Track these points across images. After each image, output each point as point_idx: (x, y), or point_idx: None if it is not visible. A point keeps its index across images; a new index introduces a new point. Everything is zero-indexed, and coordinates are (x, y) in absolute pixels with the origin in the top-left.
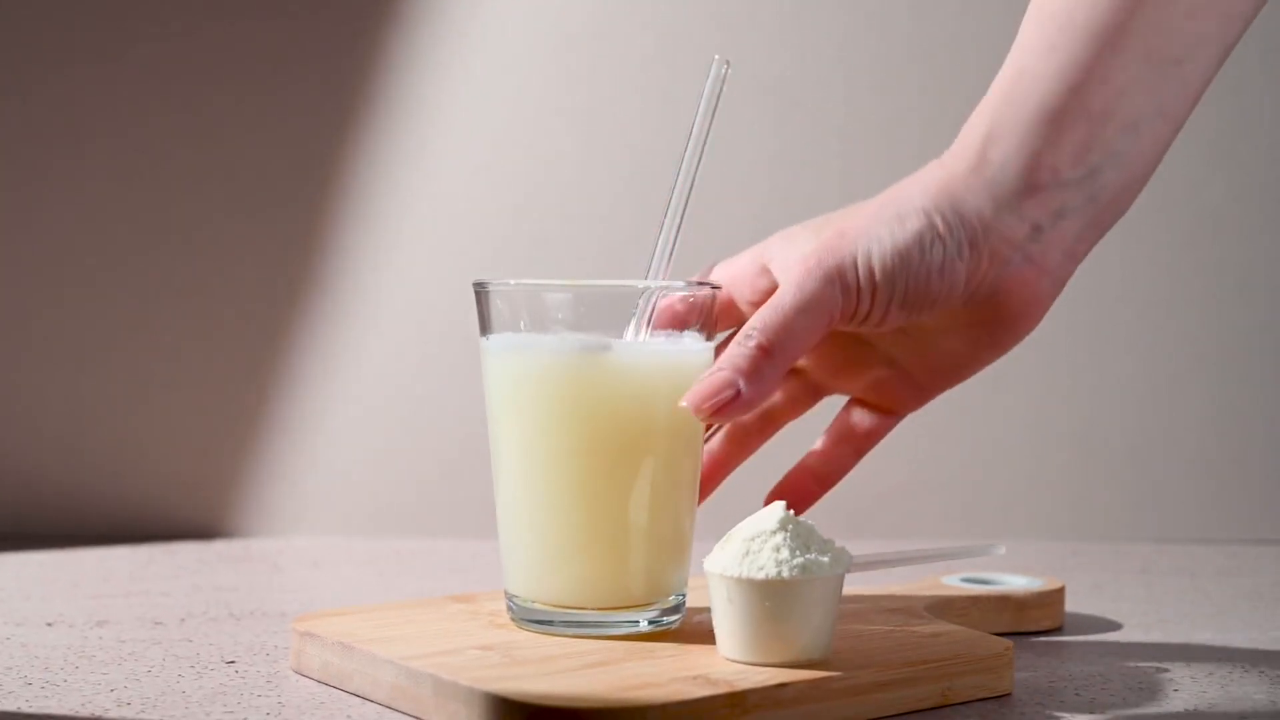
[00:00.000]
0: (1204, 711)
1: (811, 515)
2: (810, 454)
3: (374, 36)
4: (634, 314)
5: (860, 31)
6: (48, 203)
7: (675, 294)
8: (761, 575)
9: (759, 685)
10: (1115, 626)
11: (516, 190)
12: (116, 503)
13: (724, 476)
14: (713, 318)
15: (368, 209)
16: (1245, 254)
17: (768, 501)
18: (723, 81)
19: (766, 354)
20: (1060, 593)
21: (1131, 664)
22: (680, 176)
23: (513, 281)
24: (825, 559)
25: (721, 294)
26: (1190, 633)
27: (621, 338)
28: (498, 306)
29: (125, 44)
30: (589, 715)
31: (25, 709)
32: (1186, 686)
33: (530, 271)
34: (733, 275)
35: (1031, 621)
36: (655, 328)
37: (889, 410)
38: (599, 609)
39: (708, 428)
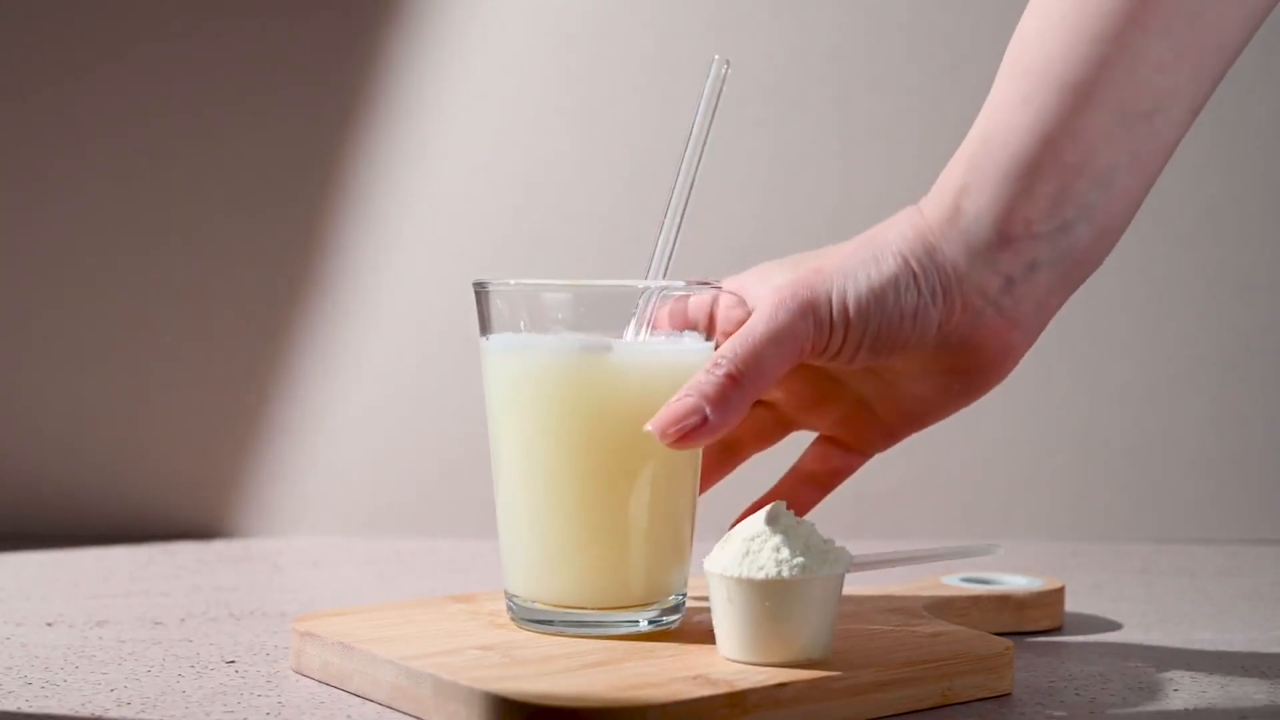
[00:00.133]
0: (1204, 711)
1: (811, 515)
2: (777, 487)
3: (374, 36)
4: (634, 314)
5: (860, 32)
6: (48, 203)
7: (676, 294)
8: (761, 575)
9: (759, 685)
10: (1115, 626)
11: (516, 190)
12: (116, 503)
13: None
14: (714, 319)
15: (368, 209)
16: (1245, 255)
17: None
18: (723, 81)
19: (735, 382)
20: (1060, 593)
21: (1131, 664)
22: (680, 176)
23: (513, 281)
24: (825, 559)
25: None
26: (1190, 633)
27: (621, 338)
28: (498, 306)
29: (125, 44)
30: (589, 715)
31: (25, 709)
32: (1186, 686)
33: (530, 271)
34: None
35: (1031, 621)
36: (669, 328)
37: (857, 449)
38: (599, 609)
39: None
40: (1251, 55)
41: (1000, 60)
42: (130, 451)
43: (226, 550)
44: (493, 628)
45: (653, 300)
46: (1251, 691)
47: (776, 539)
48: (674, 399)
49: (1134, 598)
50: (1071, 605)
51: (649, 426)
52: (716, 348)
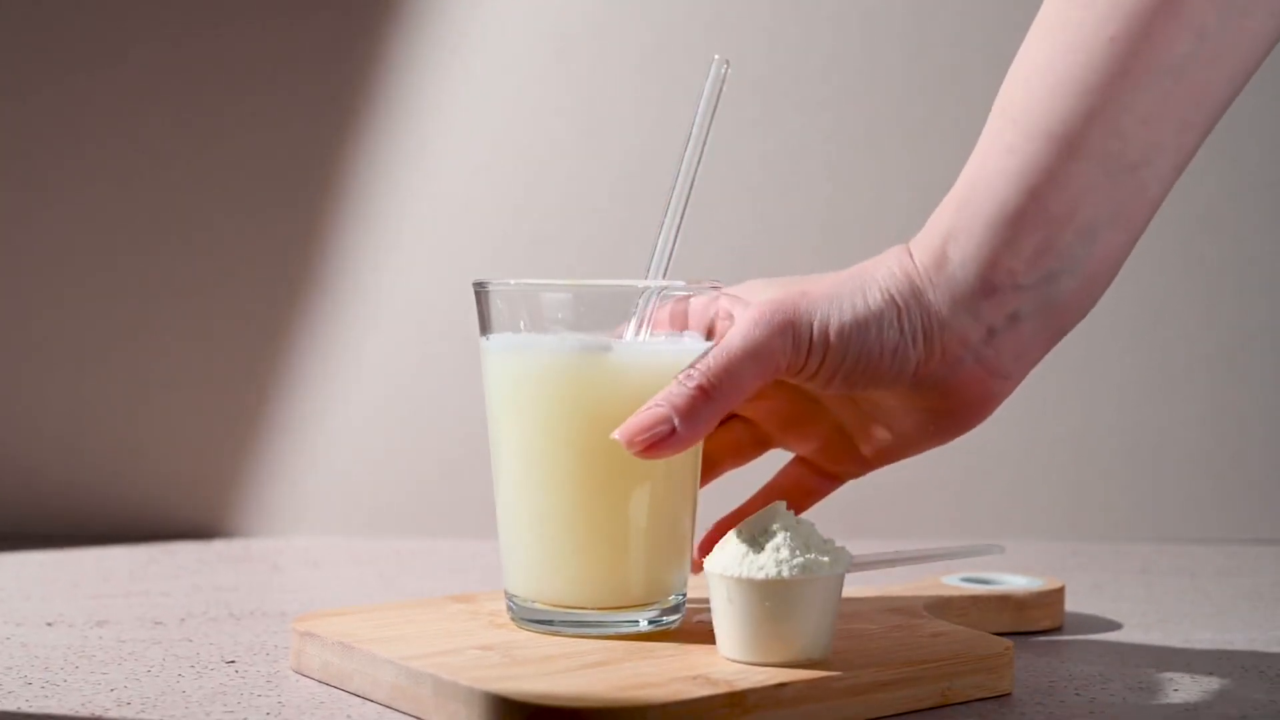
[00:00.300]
0: (1204, 711)
1: (811, 515)
2: (749, 504)
3: (374, 36)
4: (633, 314)
5: (860, 32)
6: (48, 203)
7: (676, 294)
8: (761, 575)
9: (759, 685)
10: (1115, 626)
11: (516, 190)
12: (116, 503)
13: None
14: (715, 322)
15: (368, 209)
16: (1245, 254)
17: (702, 552)
18: (723, 81)
19: (705, 395)
20: (1060, 593)
21: (1131, 664)
22: (680, 176)
23: (512, 281)
24: (825, 559)
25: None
26: (1190, 633)
27: (619, 336)
28: (497, 306)
29: (125, 44)
30: (589, 715)
31: (25, 709)
32: (1186, 686)
33: (530, 271)
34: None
35: (1031, 621)
36: (670, 328)
37: (831, 474)
38: (599, 609)
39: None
40: None
41: (998, 61)
42: (130, 451)
43: (226, 550)
44: (493, 628)
45: (653, 300)
46: (1251, 691)
47: (777, 539)
48: (644, 408)
49: (1134, 598)
50: (1071, 605)
51: (616, 434)
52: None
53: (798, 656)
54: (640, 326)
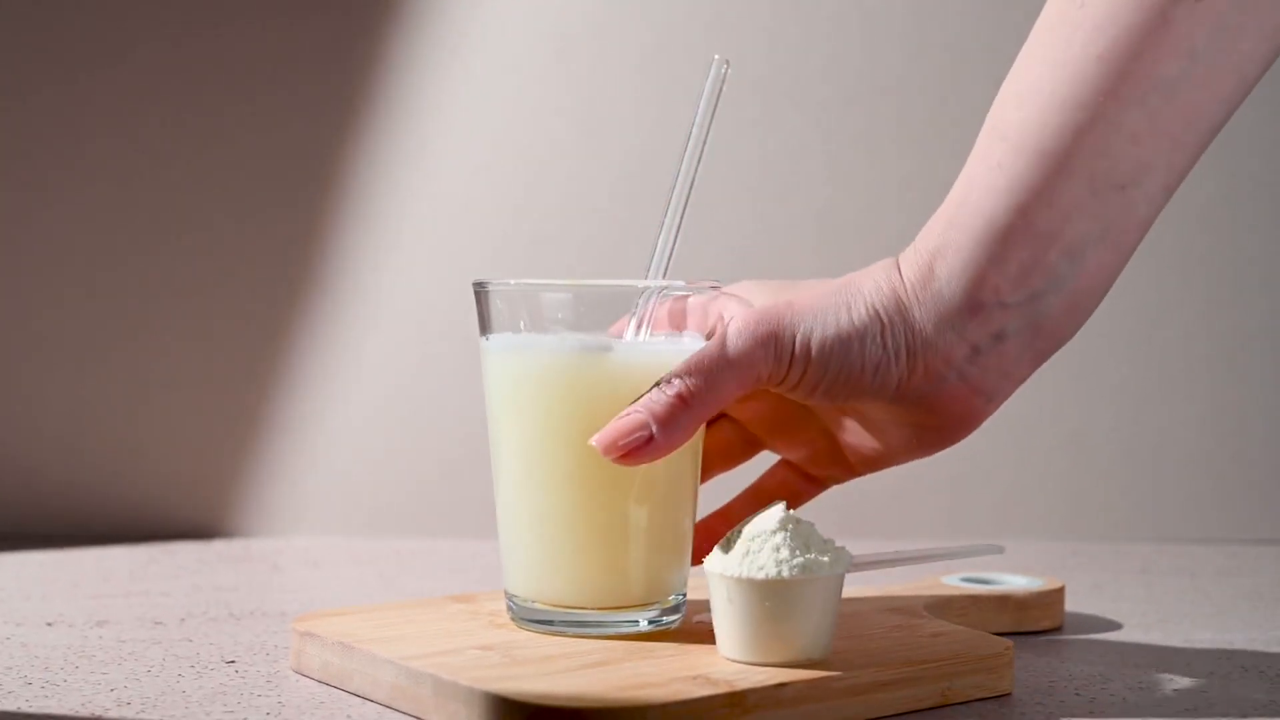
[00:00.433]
0: (1204, 711)
1: (811, 515)
2: (733, 504)
3: (374, 36)
4: (633, 314)
5: (860, 32)
6: (48, 203)
7: (676, 294)
8: (761, 575)
9: (759, 685)
10: (1115, 626)
11: (516, 190)
12: (116, 503)
13: None
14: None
15: (368, 209)
16: (1245, 253)
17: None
18: (723, 81)
19: (684, 403)
20: (1060, 593)
21: (1131, 664)
22: (680, 176)
23: (512, 281)
24: (825, 559)
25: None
26: (1190, 633)
27: (620, 335)
28: (497, 306)
29: (125, 44)
30: (589, 715)
31: (25, 709)
32: (1186, 686)
33: (530, 271)
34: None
35: (1031, 621)
36: (670, 328)
37: (816, 479)
38: (599, 609)
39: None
40: None
41: (997, 62)
42: (130, 451)
43: (226, 550)
44: (493, 628)
45: (652, 300)
46: (1251, 691)
47: (776, 539)
48: (622, 414)
49: (1134, 598)
50: (1071, 605)
51: (593, 441)
52: None
53: (798, 656)
54: (640, 326)
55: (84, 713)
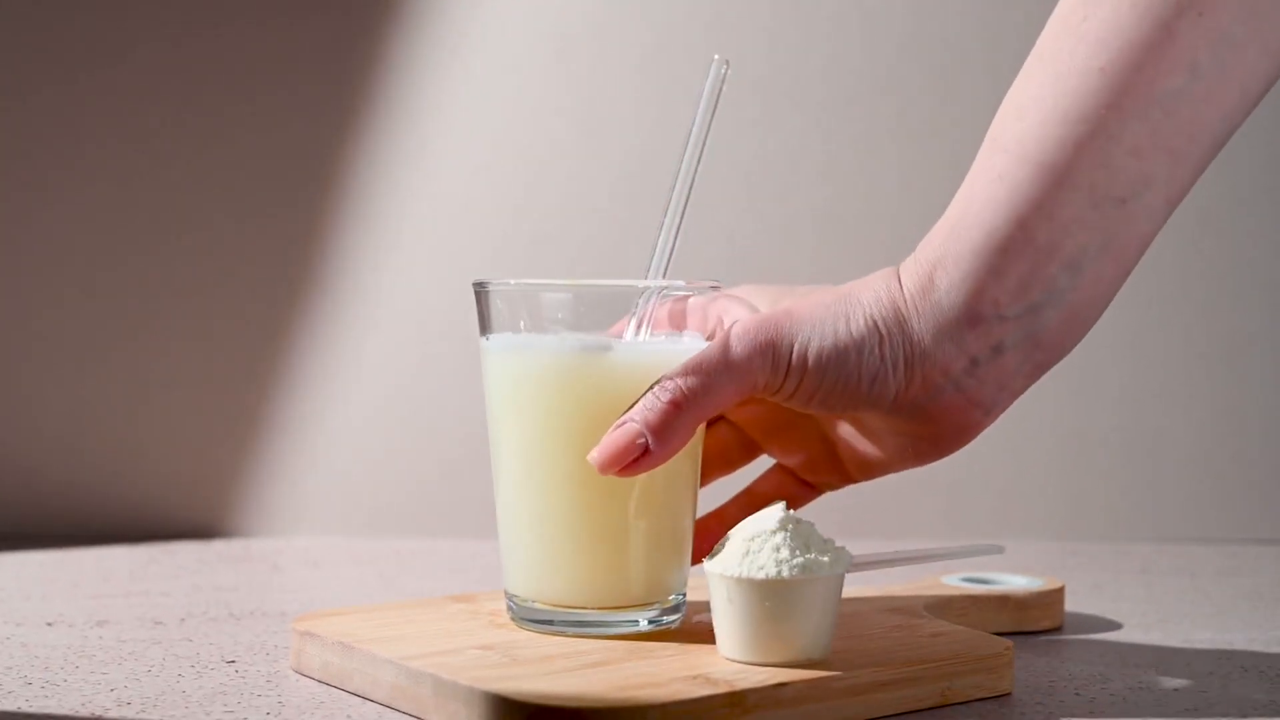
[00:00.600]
0: (1204, 711)
1: (811, 515)
2: (727, 506)
3: (374, 36)
4: (633, 314)
5: (861, 32)
6: (48, 203)
7: (676, 294)
8: (761, 575)
9: (759, 685)
10: (1115, 626)
11: (516, 190)
12: (116, 503)
13: None
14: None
15: (368, 209)
16: (1246, 253)
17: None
18: (722, 81)
19: (677, 409)
20: (1060, 593)
21: (1131, 664)
22: (680, 176)
23: (512, 281)
24: (825, 559)
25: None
26: (1190, 633)
27: (620, 335)
28: (497, 306)
29: (125, 44)
30: (589, 715)
31: (25, 709)
32: (1186, 686)
33: (530, 271)
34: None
35: (1031, 621)
36: (670, 328)
37: (811, 485)
38: (599, 609)
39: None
40: None
41: (997, 62)
42: (130, 451)
43: (226, 550)
44: (493, 628)
45: (652, 300)
46: (1251, 691)
47: (776, 539)
48: (616, 425)
49: (1134, 598)
50: (1071, 605)
51: (591, 458)
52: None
53: (798, 656)
54: (640, 326)
55: (84, 713)
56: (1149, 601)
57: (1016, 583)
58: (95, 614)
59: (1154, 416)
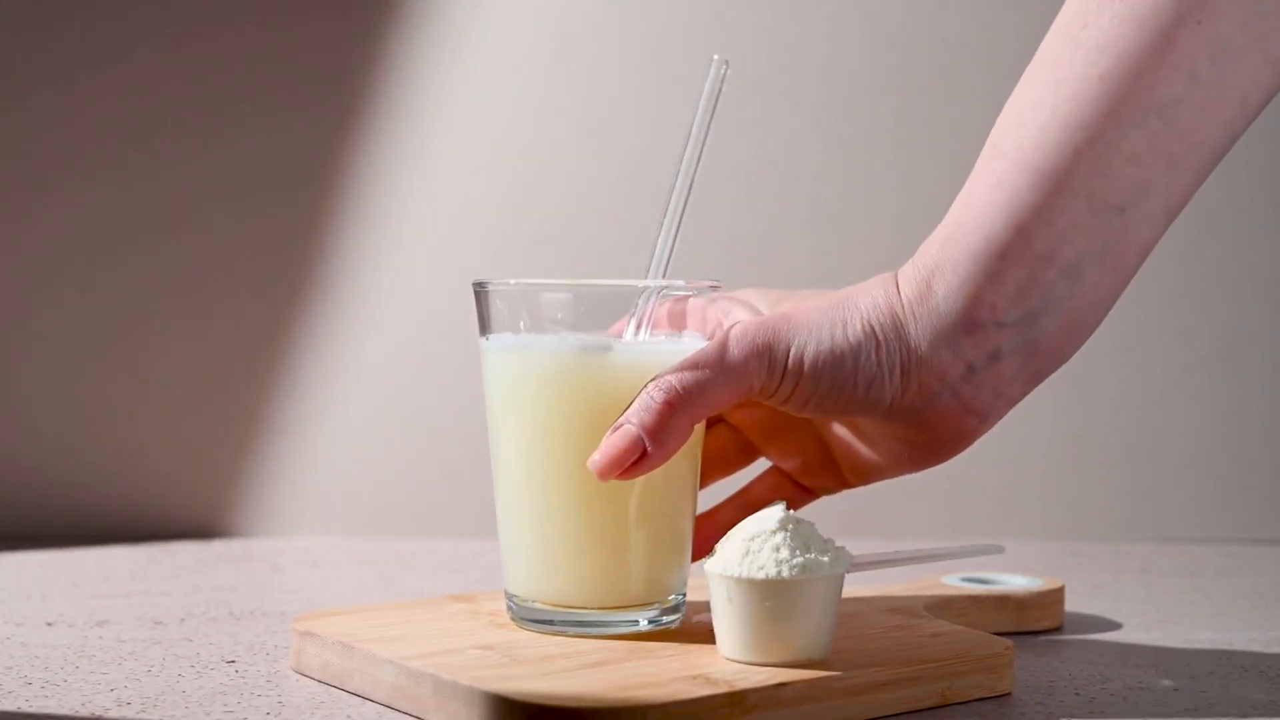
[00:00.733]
0: (1204, 711)
1: (811, 516)
2: (722, 507)
3: (374, 36)
4: (633, 314)
5: (861, 32)
6: (48, 203)
7: (676, 294)
8: (761, 575)
9: (759, 685)
10: (1115, 626)
11: (516, 190)
12: (116, 503)
13: None
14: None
15: (368, 209)
16: (1245, 254)
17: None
18: (722, 81)
19: (672, 410)
20: (1060, 593)
21: (1131, 664)
22: (680, 176)
23: (512, 281)
24: (825, 559)
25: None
26: (1190, 633)
27: (619, 335)
28: (497, 306)
29: (125, 44)
30: (589, 715)
31: (25, 709)
32: (1186, 686)
33: (530, 271)
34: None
35: (1031, 621)
36: (670, 328)
37: (807, 489)
38: (599, 609)
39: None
40: None
41: (997, 62)
42: (130, 451)
43: (226, 550)
44: (493, 628)
45: (652, 300)
46: (1251, 691)
47: (776, 539)
48: (613, 429)
49: (1134, 598)
50: (1071, 605)
51: (590, 464)
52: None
53: (798, 656)
54: (640, 326)
55: (84, 713)
56: (1149, 601)
57: (1016, 583)
58: (95, 614)
59: (1154, 417)
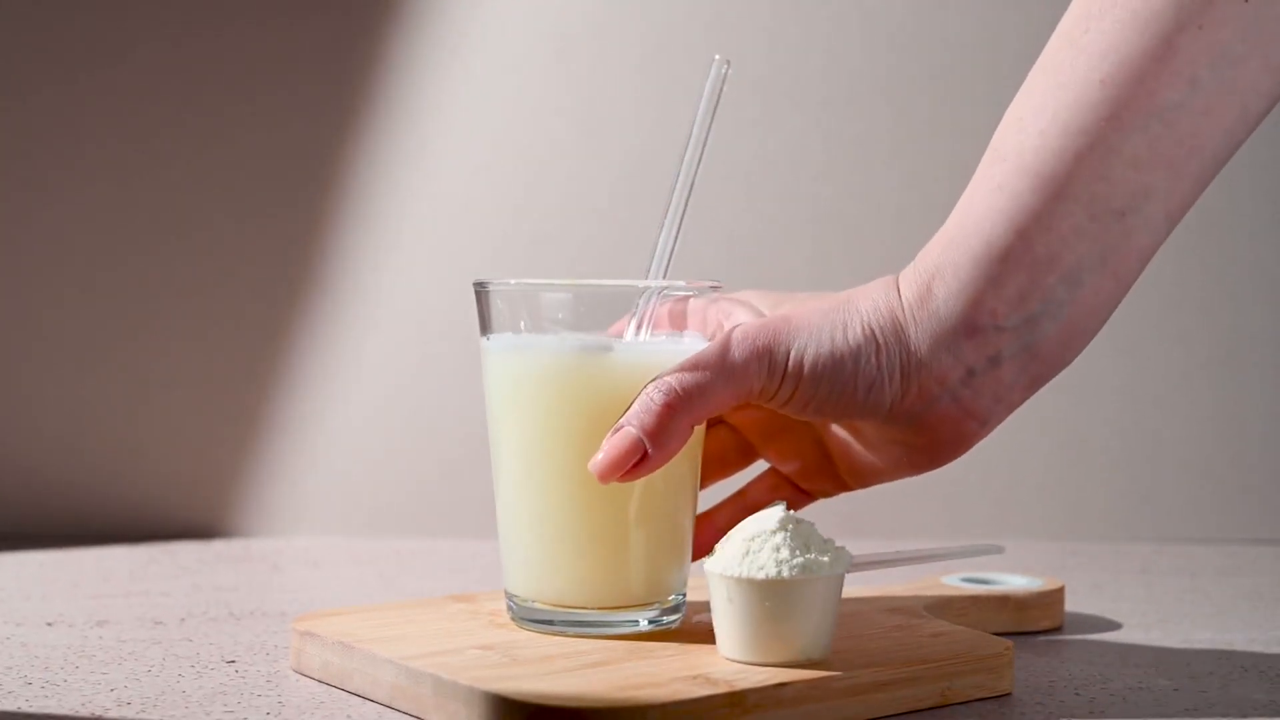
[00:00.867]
0: (1204, 711)
1: (812, 516)
2: (720, 508)
3: (374, 36)
4: (633, 314)
5: (861, 32)
6: (48, 203)
7: (676, 294)
8: (761, 575)
9: (759, 685)
10: (1115, 626)
11: (516, 190)
12: (116, 503)
13: None
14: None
15: (368, 209)
16: (1246, 253)
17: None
18: (723, 81)
19: (672, 411)
20: (1060, 593)
21: (1131, 664)
22: (680, 176)
23: (513, 281)
24: (825, 559)
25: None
26: (1190, 633)
27: (620, 334)
28: (498, 306)
29: (125, 44)
30: (589, 715)
31: (25, 709)
32: (1186, 686)
33: (530, 271)
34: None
35: (1031, 621)
36: (671, 329)
37: (806, 491)
38: (599, 609)
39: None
40: None
41: (997, 62)
42: (130, 451)
43: (226, 550)
44: (493, 628)
45: (653, 300)
46: (1251, 691)
47: (777, 539)
48: (613, 431)
49: (1134, 598)
50: (1071, 605)
51: (591, 467)
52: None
53: (798, 656)
54: (640, 326)
55: (84, 713)
56: (1149, 601)
57: (1016, 583)
58: (95, 614)
59: (1154, 418)
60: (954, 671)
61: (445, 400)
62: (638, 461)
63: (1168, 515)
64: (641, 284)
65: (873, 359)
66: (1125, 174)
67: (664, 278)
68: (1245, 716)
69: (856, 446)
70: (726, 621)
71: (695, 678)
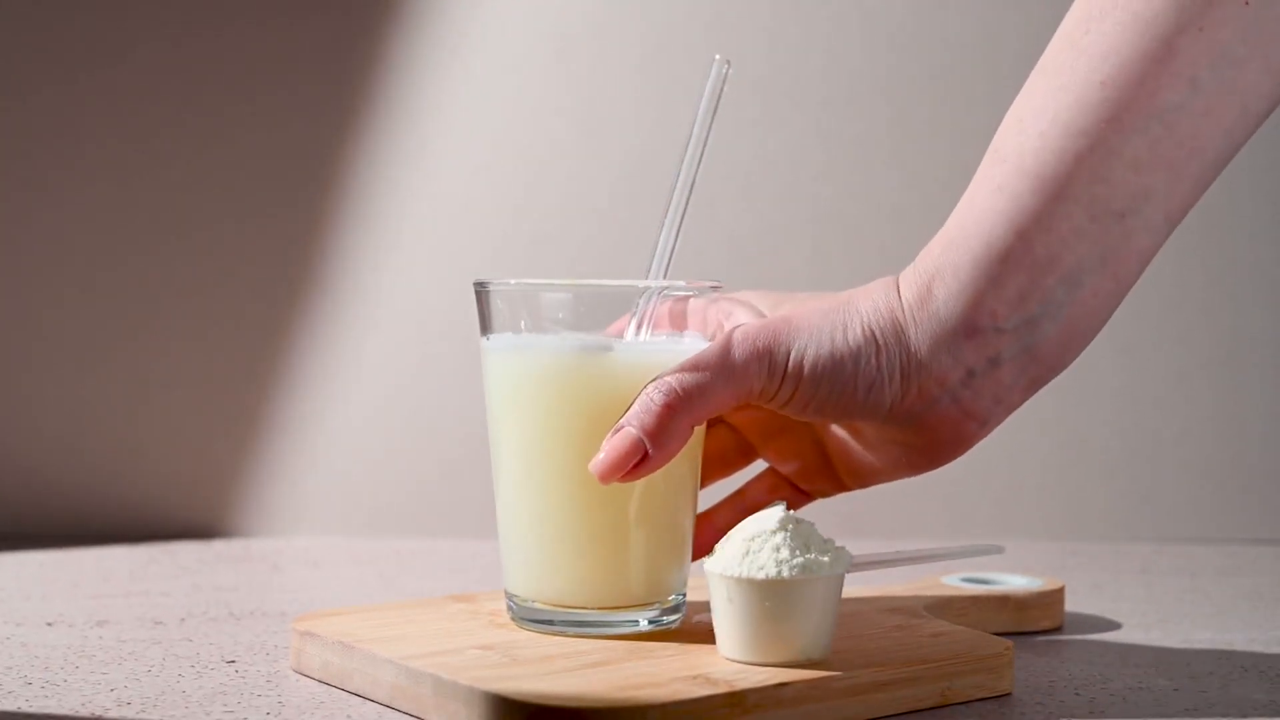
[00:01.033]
0: (1204, 711)
1: (812, 515)
2: (718, 508)
3: (374, 36)
4: (633, 314)
5: (861, 32)
6: (48, 203)
7: (676, 294)
8: (761, 575)
9: (759, 685)
10: (1115, 626)
11: (516, 190)
12: (116, 503)
13: None
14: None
15: (368, 209)
16: (1246, 253)
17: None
18: (723, 81)
19: (672, 412)
20: (1060, 593)
21: (1131, 664)
22: (681, 176)
23: (513, 281)
24: (825, 559)
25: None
26: (1190, 633)
27: (620, 334)
28: (498, 306)
29: (125, 44)
30: (589, 715)
31: (25, 709)
32: (1186, 686)
33: (530, 271)
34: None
35: (1031, 621)
36: (671, 329)
37: (804, 491)
38: (599, 609)
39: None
40: None
41: (997, 62)
42: (130, 451)
43: (226, 550)
44: (493, 628)
45: (653, 300)
46: (1251, 691)
47: (777, 539)
48: (613, 431)
49: (1134, 598)
50: (1071, 605)
51: (591, 468)
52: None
53: (798, 656)
54: (640, 326)
55: (84, 713)
56: (1149, 601)
57: (1016, 583)
58: (95, 614)
59: (1154, 418)
60: (954, 671)
61: (445, 400)
62: (638, 462)
63: (1168, 515)
64: (642, 284)
65: (873, 360)
66: (1125, 175)
67: (664, 278)
68: (1245, 716)
69: (856, 447)
70: (726, 621)
71: (695, 678)
